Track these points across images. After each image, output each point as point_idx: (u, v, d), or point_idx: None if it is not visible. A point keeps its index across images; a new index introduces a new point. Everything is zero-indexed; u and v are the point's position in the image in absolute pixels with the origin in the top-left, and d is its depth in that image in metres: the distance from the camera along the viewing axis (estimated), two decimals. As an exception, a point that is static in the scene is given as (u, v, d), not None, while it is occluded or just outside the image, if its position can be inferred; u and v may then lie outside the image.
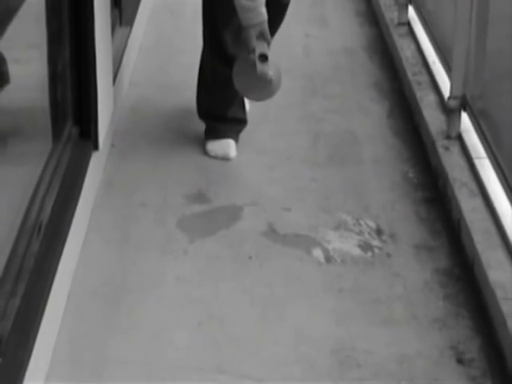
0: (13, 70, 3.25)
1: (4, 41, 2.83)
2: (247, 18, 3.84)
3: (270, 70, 3.89)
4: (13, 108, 3.40)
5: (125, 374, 2.97)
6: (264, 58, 3.87)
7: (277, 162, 4.30)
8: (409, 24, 5.42)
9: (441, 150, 4.06)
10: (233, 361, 3.03)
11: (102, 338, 3.12)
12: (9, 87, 3.24)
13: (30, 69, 3.61)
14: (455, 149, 4.06)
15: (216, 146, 4.32)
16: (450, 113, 4.19)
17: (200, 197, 3.99)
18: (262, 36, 3.86)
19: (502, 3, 3.96)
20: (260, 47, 3.87)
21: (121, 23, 5.01)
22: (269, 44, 3.90)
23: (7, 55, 3.08)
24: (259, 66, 3.87)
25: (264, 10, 3.85)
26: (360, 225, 3.80)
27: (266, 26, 3.86)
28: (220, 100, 4.33)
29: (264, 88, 4.01)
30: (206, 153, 4.33)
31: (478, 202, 3.66)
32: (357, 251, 3.63)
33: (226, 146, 4.32)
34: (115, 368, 2.99)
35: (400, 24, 5.49)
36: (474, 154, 3.94)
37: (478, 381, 2.96)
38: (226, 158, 4.29)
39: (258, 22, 3.85)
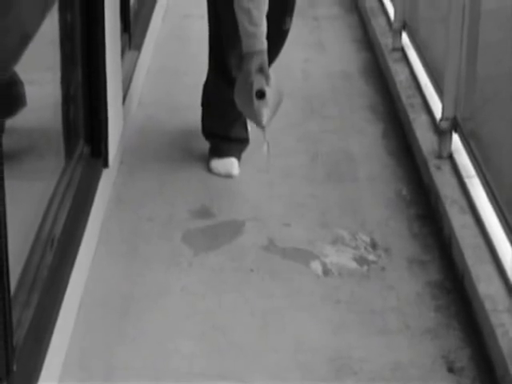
0: (28, 91, 3.25)
1: (20, 64, 2.83)
2: (249, 43, 3.83)
3: (266, 107, 3.83)
4: (28, 127, 3.40)
5: (133, 381, 2.97)
6: (261, 94, 3.82)
7: (277, 179, 4.30)
8: (402, 49, 5.43)
9: (433, 169, 4.06)
10: (235, 368, 3.03)
11: (111, 345, 3.12)
12: (24, 108, 3.25)
13: (44, 90, 3.61)
14: (446, 168, 4.06)
15: (219, 164, 4.32)
16: (441, 134, 4.19)
17: (204, 212, 3.99)
18: (261, 69, 3.81)
19: (490, 31, 3.97)
20: (258, 82, 3.82)
21: (130, 47, 5.02)
22: (268, 78, 3.85)
23: (23, 77, 3.09)
24: (256, 102, 3.82)
25: (265, 40, 3.83)
26: (356, 240, 3.80)
27: (265, 58, 3.83)
28: (223, 121, 4.33)
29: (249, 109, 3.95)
30: (210, 170, 4.33)
31: (468, 219, 3.66)
32: (353, 265, 3.63)
33: (229, 165, 4.32)
34: (123, 375, 2.99)
35: (394, 49, 5.49)
36: (464, 173, 3.94)
37: (468, 389, 2.98)
38: (229, 176, 4.29)
39: (259, 49, 3.82)
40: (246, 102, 3.90)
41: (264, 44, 3.83)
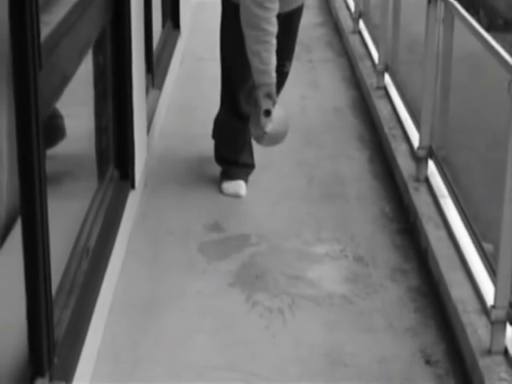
0: (66, 123, 3.27)
1: (61, 100, 2.84)
2: (261, 78, 3.84)
3: (270, 123, 3.87)
4: (66, 154, 3.41)
5: (155, 372, 2.96)
6: (268, 113, 3.86)
7: (279, 199, 4.30)
8: (385, 88, 5.43)
9: (412, 191, 4.05)
10: (243, 361, 3.03)
11: (137, 340, 3.12)
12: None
13: (81, 122, 3.62)
14: (423, 189, 4.06)
15: (229, 186, 4.32)
16: (418, 160, 4.19)
17: (216, 227, 3.99)
18: (269, 96, 3.85)
19: (460, 73, 3.98)
20: (266, 104, 3.86)
21: (153, 86, 5.03)
22: (274, 103, 3.88)
23: (63, 112, 3.10)
24: (263, 119, 3.87)
25: (274, 74, 3.85)
26: (346, 251, 3.79)
27: (273, 88, 3.86)
28: (233, 148, 4.33)
29: (272, 138, 3.99)
30: (221, 191, 4.31)
31: (442, 233, 3.65)
32: (344, 272, 3.62)
33: (238, 186, 4.31)
34: (147, 366, 2.99)
35: (378, 88, 5.49)
36: (438, 194, 3.93)
37: (442, 379, 2.96)
38: (237, 196, 4.28)
39: (270, 82, 3.85)
40: (255, 122, 3.94)
41: (273, 78, 3.85)
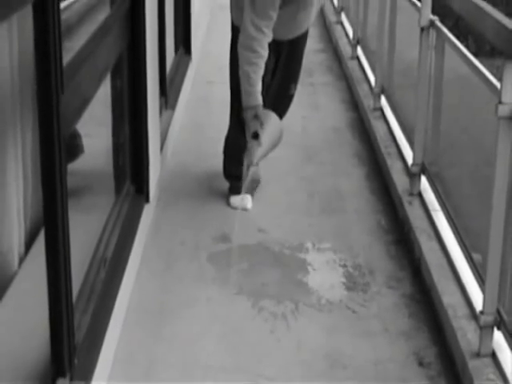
0: (86, 142, 3.28)
1: (80, 120, 2.85)
2: (247, 100, 3.84)
3: (258, 145, 3.74)
4: (85, 170, 3.42)
5: (168, 373, 2.96)
6: (255, 135, 3.78)
7: (282, 212, 4.30)
8: (381, 109, 5.44)
9: (406, 204, 4.06)
10: (249, 363, 3.02)
11: (151, 344, 3.12)
12: (83, 155, 3.27)
13: (99, 141, 3.64)
14: (416, 203, 4.07)
15: (237, 200, 4.32)
16: (412, 176, 4.20)
17: (224, 238, 3.99)
18: (256, 117, 3.80)
19: (450, 96, 3.98)
20: (254, 126, 3.79)
21: (166, 107, 5.05)
22: (261, 124, 3.78)
23: (83, 131, 3.11)
24: (250, 142, 3.79)
25: (259, 96, 3.82)
26: (345, 260, 3.79)
27: (260, 109, 3.81)
28: (240, 165, 4.33)
29: (266, 152, 3.85)
30: (229, 205, 4.32)
31: (434, 244, 3.66)
32: (343, 280, 3.62)
33: (245, 200, 4.31)
34: (160, 367, 2.99)
35: (375, 109, 5.50)
36: (431, 207, 3.94)
37: (434, 380, 2.95)
38: (244, 209, 4.28)
39: (255, 104, 3.82)
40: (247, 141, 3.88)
41: (258, 100, 3.82)
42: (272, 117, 3.87)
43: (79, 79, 2.64)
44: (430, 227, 3.81)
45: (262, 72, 3.83)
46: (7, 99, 2.47)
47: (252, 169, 3.84)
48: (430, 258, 3.53)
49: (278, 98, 4.20)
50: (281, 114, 4.26)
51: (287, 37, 3.94)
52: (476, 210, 3.45)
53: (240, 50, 3.85)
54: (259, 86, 3.83)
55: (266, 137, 3.79)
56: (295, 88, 4.33)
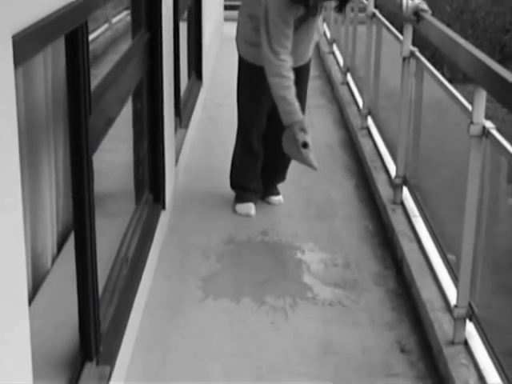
0: (109, 156, 3.28)
1: (106, 138, 2.86)
2: (290, 119, 3.74)
3: (311, 152, 3.75)
4: (109, 182, 3.42)
5: (181, 358, 2.96)
6: (305, 144, 3.73)
7: (282, 217, 4.30)
8: (368, 128, 5.44)
9: (390, 211, 4.06)
10: (253, 350, 3.03)
11: (167, 333, 3.12)
12: (106, 167, 3.26)
13: (122, 156, 3.64)
14: (399, 210, 4.07)
15: (241, 207, 4.32)
16: (395, 187, 4.20)
17: (231, 240, 3.99)
18: (302, 130, 3.74)
19: (429, 117, 3.99)
20: (302, 137, 3.73)
21: (180, 126, 5.05)
22: (306, 133, 3.74)
23: (106, 147, 3.10)
24: (304, 151, 3.74)
25: (300, 112, 3.75)
26: (336, 260, 3.79)
27: (304, 123, 3.75)
28: (245, 177, 4.34)
29: (302, 157, 3.83)
30: (234, 211, 4.32)
31: (414, 246, 3.66)
32: (334, 277, 3.62)
33: (249, 208, 4.31)
34: (175, 353, 2.99)
35: (362, 128, 5.50)
36: (411, 214, 3.94)
37: (414, 364, 2.95)
38: (248, 216, 4.28)
39: (299, 119, 3.75)
40: (295, 153, 3.82)
41: (300, 116, 3.75)
42: None
43: (105, 102, 2.65)
44: (410, 231, 3.81)
45: (294, 91, 3.74)
46: (43, 119, 2.48)
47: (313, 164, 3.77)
48: (411, 258, 3.53)
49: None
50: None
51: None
52: (450, 216, 3.45)
53: (271, 79, 3.75)
54: (297, 103, 3.74)
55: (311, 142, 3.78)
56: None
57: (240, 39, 4.13)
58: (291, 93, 3.74)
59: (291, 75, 3.77)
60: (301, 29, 3.94)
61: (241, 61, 4.14)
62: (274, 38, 3.73)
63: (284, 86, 3.74)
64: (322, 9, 3.92)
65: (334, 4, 3.93)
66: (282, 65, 3.73)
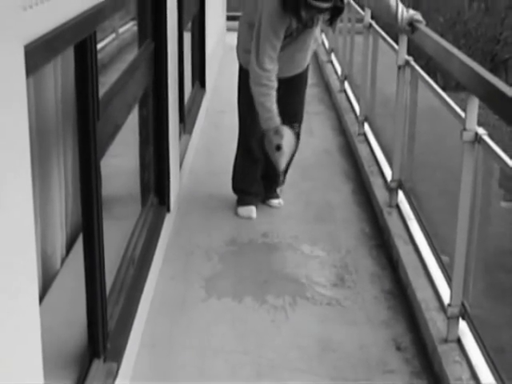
0: (116, 161, 3.27)
1: (113, 143, 2.86)
2: (267, 124, 3.78)
3: (282, 155, 3.76)
4: (116, 185, 3.42)
5: (185, 354, 2.96)
6: (278, 147, 3.76)
7: (282, 220, 4.30)
8: (365, 135, 5.45)
9: (386, 214, 4.06)
10: (254, 347, 3.03)
11: (171, 330, 3.12)
12: (112, 171, 3.25)
13: (128, 160, 3.64)
14: (395, 213, 4.07)
15: (243, 210, 4.32)
16: (391, 190, 4.20)
17: (233, 241, 3.99)
18: (277, 132, 3.75)
19: (423, 123, 3.99)
20: (276, 140, 3.75)
21: (184, 132, 5.06)
22: (281, 138, 3.75)
23: (114, 152, 3.11)
24: (276, 153, 3.77)
25: (277, 118, 3.75)
26: (335, 260, 3.79)
27: (279, 128, 3.75)
28: (246, 181, 4.34)
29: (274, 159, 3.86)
30: (236, 214, 4.32)
31: (409, 248, 3.65)
32: (332, 277, 3.62)
33: (250, 210, 4.31)
34: (179, 349, 2.99)
35: (359, 134, 5.51)
36: (406, 217, 3.94)
37: (409, 361, 2.95)
38: (249, 218, 4.29)
39: (275, 126, 3.77)
40: (272, 154, 3.83)
41: (277, 122, 3.76)
42: (287, 130, 3.81)
43: (112, 109, 2.65)
44: (405, 234, 3.81)
45: (274, 99, 3.76)
46: (53, 125, 2.49)
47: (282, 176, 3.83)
48: (406, 260, 3.53)
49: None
50: (292, 155, 4.24)
51: (283, 75, 3.94)
52: (444, 219, 3.45)
53: (252, 85, 3.80)
54: (275, 110, 3.76)
55: (286, 147, 3.78)
56: (299, 127, 4.25)
57: (240, 48, 4.13)
58: (270, 100, 3.75)
59: (272, 84, 3.76)
60: (299, 38, 3.94)
61: (241, 69, 4.15)
62: (262, 47, 3.74)
63: (263, 94, 3.76)
64: (319, 21, 3.92)
65: (325, 17, 3.90)
66: (263, 75, 3.75)
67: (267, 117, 3.79)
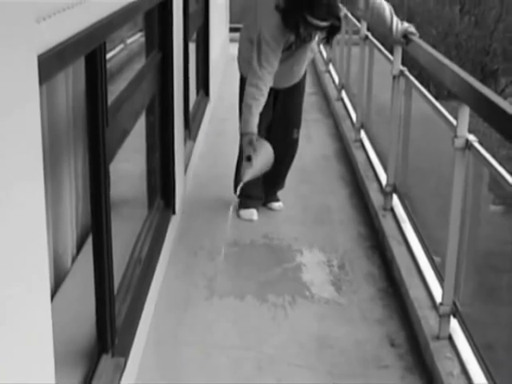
0: (124, 166, 3.28)
1: (121, 148, 2.86)
2: (245, 127, 3.63)
3: (250, 167, 3.53)
4: (124, 189, 3.43)
5: (190, 350, 2.96)
6: (248, 158, 3.56)
7: (282, 222, 4.30)
8: (361, 141, 5.45)
9: (381, 217, 4.06)
10: (255, 343, 3.03)
11: (176, 328, 3.12)
12: (121, 176, 3.26)
13: (135, 165, 3.65)
14: (389, 216, 4.07)
15: (245, 213, 4.32)
16: (386, 194, 4.19)
17: (235, 243, 3.99)
18: (251, 143, 3.59)
19: (416, 130, 3.99)
20: (247, 151, 3.57)
21: (189, 138, 5.06)
22: (254, 150, 3.57)
23: (121, 158, 3.10)
24: (244, 164, 3.57)
25: (255, 126, 3.60)
26: (332, 261, 3.79)
27: (254, 138, 3.59)
28: (247, 185, 4.31)
29: (256, 172, 3.63)
30: (238, 217, 4.32)
31: (403, 248, 3.66)
32: (330, 277, 3.62)
33: (251, 213, 4.31)
34: (184, 346, 2.99)
35: (356, 141, 5.51)
36: (400, 220, 3.94)
37: (403, 357, 2.95)
38: (251, 220, 4.29)
39: (251, 131, 3.60)
40: (243, 161, 3.67)
41: (254, 129, 3.60)
42: (265, 146, 3.64)
43: (120, 116, 2.66)
44: (399, 235, 3.81)
45: (261, 108, 3.66)
46: (64, 131, 2.49)
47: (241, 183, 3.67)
48: (400, 260, 3.53)
49: (282, 142, 4.11)
50: (290, 156, 4.25)
51: (281, 85, 3.91)
52: (436, 221, 3.45)
53: (247, 86, 3.70)
54: (257, 119, 3.64)
55: (258, 161, 3.59)
56: (298, 133, 4.22)
57: (241, 60, 4.14)
58: (257, 106, 3.63)
59: (265, 92, 3.67)
60: (296, 52, 3.95)
61: (242, 79, 4.15)
62: (264, 54, 3.67)
63: (254, 97, 3.64)
64: (316, 35, 3.92)
65: (322, 35, 3.86)
66: (262, 78, 3.66)
67: (246, 119, 3.63)
